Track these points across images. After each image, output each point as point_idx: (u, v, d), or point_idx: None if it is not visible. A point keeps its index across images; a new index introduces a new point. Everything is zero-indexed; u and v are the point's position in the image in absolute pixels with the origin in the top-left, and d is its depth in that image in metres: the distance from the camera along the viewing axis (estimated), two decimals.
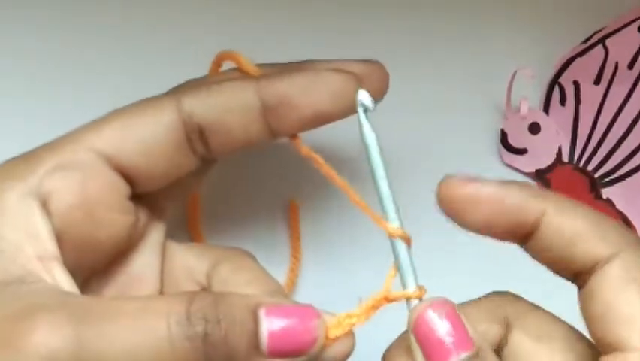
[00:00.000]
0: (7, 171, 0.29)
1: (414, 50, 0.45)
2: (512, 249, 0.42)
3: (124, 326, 0.26)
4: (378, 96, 0.33)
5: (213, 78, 0.33)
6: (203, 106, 0.30)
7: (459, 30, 0.45)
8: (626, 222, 0.43)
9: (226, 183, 0.42)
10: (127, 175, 0.30)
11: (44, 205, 0.28)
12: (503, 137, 0.44)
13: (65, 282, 0.28)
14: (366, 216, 0.30)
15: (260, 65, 0.33)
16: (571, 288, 0.29)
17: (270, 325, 0.27)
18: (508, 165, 0.44)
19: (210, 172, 0.36)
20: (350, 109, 0.31)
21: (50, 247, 0.28)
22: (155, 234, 0.33)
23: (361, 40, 0.44)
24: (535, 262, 0.30)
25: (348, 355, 0.29)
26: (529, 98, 0.43)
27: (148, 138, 0.30)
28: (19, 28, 0.43)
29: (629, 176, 0.43)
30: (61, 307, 0.26)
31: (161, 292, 0.33)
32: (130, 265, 0.32)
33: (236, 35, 0.42)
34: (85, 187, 0.29)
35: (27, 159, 0.29)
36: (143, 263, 0.32)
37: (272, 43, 0.42)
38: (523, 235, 0.28)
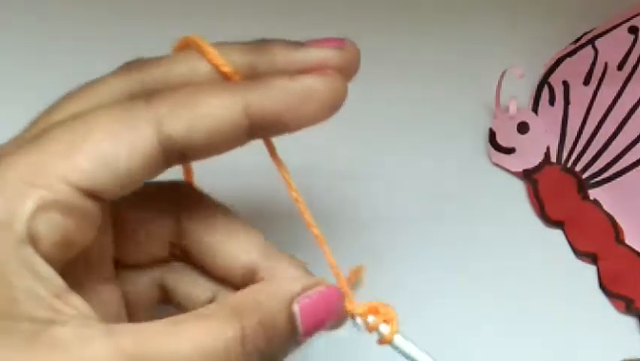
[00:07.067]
0: None
1: (403, 48, 0.45)
2: (509, 254, 0.43)
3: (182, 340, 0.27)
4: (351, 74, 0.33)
5: (188, 87, 0.30)
6: (187, 131, 0.29)
7: (448, 29, 0.45)
8: (614, 223, 0.43)
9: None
10: (100, 198, 0.30)
11: (35, 247, 0.28)
12: (492, 136, 0.43)
13: (87, 309, 0.28)
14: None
15: (219, 44, 0.31)
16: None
17: (303, 316, 0.30)
18: (497, 165, 0.44)
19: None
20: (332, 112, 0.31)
21: (58, 282, 0.28)
22: None
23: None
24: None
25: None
26: (518, 98, 0.43)
27: (125, 170, 0.29)
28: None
29: (617, 177, 0.43)
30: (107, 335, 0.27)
31: None
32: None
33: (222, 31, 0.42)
34: (66, 226, 0.29)
35: (1, 191, 0.28)
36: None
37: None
38: None
